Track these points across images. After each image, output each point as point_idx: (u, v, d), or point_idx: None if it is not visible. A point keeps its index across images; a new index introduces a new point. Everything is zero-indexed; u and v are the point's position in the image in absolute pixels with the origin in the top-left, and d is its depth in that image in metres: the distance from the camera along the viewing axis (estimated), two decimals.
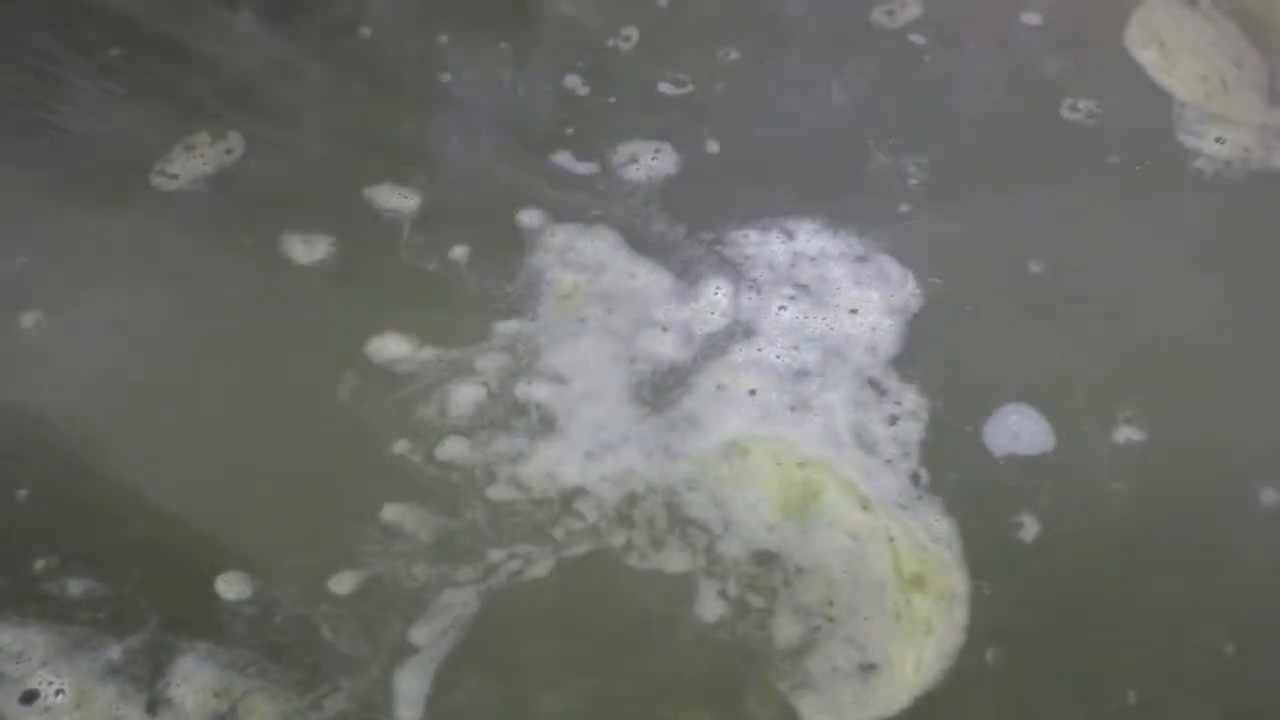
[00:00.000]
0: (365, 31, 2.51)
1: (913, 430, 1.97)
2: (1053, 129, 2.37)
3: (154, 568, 1.81)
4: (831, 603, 1.80)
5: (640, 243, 2.20)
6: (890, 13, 2.54)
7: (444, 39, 2.52)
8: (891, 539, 1.85)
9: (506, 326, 2.11)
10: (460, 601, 1.81)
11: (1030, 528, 1.87)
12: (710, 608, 1.80)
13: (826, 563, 1.82)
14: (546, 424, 2.00)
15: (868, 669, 1.75)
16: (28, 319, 2.09)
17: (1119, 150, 2.34)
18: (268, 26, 2.50)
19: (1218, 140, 2.34)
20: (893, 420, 1.98)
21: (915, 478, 1.92)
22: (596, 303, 2.14)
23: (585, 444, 1.98)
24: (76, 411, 1.97)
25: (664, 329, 2.11)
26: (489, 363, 2.07)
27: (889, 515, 1.87)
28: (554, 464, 1.96)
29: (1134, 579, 1.84)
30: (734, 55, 2.51)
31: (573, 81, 2.45)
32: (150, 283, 2.14)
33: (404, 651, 1.75)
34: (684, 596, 1.82)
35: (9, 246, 2.17)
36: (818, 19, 2.55)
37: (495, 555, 1.85)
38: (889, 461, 1.94)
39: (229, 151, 2.28)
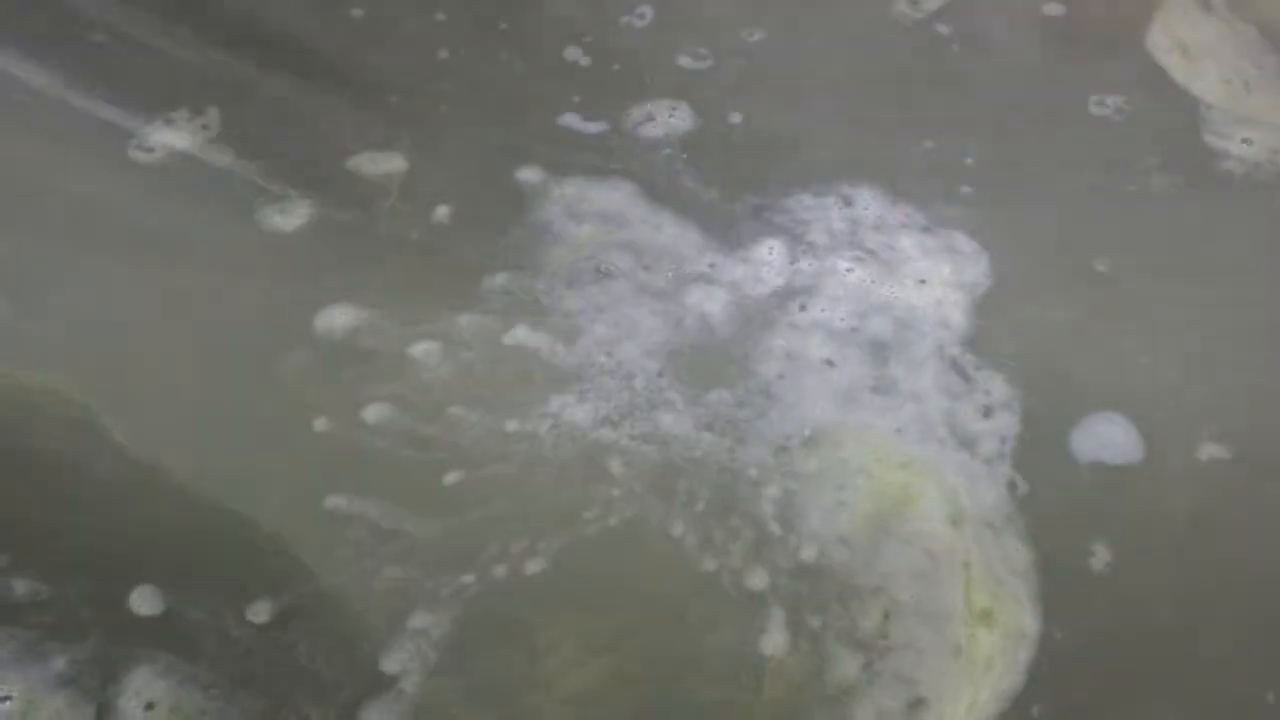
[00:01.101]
0: (358, 13, 2.37)
1: (1009, 425, 1.82)
2: (1084, 125, 2.32)
3: (105, 574, 1.61)
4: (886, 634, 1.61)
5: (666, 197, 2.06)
6: (914, 2, 2.47)
7: (440, 16, 2.38)
8: (968, 564, 1.67)
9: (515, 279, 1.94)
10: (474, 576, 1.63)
11: (1102, 555, 1.73)
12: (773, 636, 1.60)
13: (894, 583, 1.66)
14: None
15: (917, 704, 1.58)
16: None
17: (1150, 149, 2.30)
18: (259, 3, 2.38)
19: (1245, 141, 2.32)
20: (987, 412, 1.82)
21: (1012, 486, 1.76)
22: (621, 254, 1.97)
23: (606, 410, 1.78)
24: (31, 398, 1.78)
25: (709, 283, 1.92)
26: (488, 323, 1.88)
27: (974, 537, 1.70)
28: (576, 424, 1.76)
29: (1197, 617, 1.71)
30: (758, 35, 2.39)
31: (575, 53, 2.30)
32: (125, 257, 1.99)
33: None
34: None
35: None
36: (842, 6, 2.49)
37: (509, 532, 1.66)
38: (988, 462, 1.77)
39: (206, 127, 2.16)
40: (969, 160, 2.21)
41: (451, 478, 1.72)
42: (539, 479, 1.73)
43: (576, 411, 1.79)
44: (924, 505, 1.72)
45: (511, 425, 1.77)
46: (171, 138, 2.10)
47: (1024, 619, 1.65)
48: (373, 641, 1.58)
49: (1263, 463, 1.84)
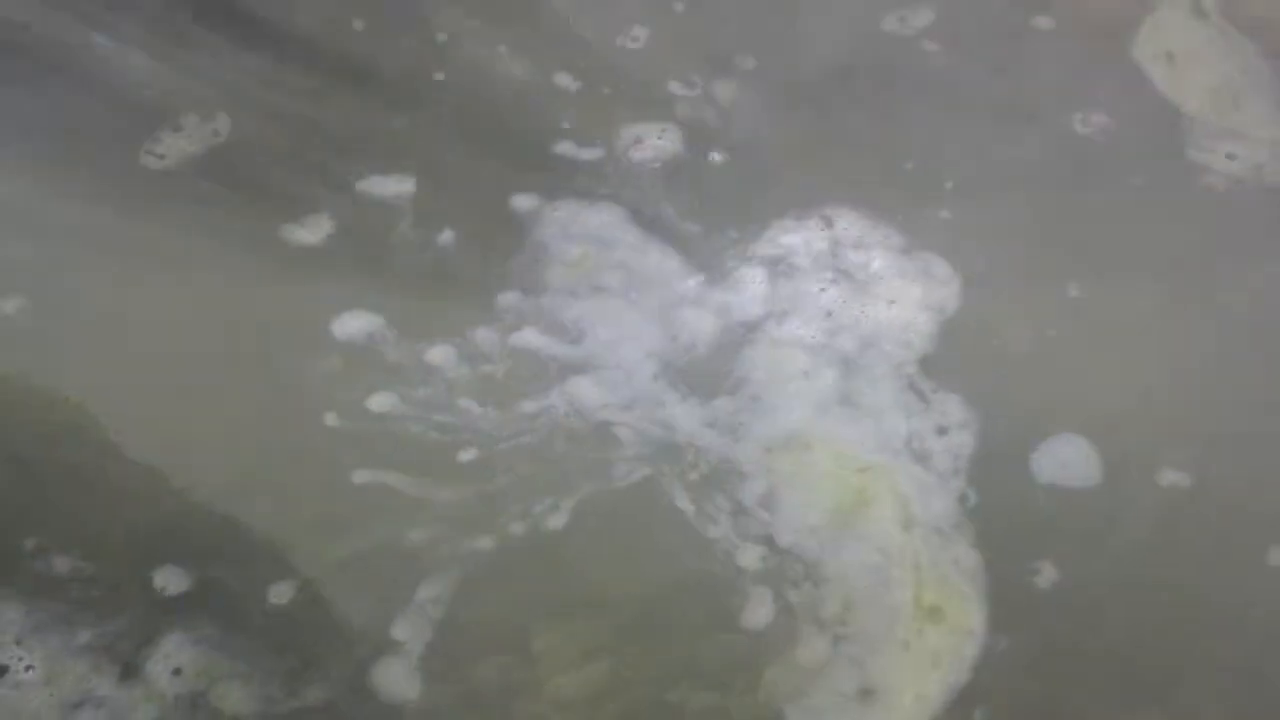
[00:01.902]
0: (359, 24, 2.42)
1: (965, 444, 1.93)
2: (1067, 143, 2.34)
3: (140, 550, 1.73)
4: (845, 621, 1.74)
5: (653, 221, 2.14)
6: (902, 19, 2.51)
7: (442, 37, 2.43)
8: (919, 566, 1.78)
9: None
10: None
11: (1048, 573, 1.80)
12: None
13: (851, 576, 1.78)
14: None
15: (867, 694, 1.69)
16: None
17: (1132, 167, 2.30)
18: (265, 18, 2.42)
19: (1229, 157, 2.32)
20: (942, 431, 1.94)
21: (964, 499, 1.87)
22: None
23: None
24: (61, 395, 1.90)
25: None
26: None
27: (924, 540, 1.81)
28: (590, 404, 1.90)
29: (1142, 636, 1.79)
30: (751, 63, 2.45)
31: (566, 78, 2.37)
32: (136, 263, 2.08)
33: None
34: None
35: None
36: (831, 25, 2.51)
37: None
38: (941, 476, 1.88)
39: (216, 134, 2.22)
40: (949, 184, 2.20)
41: (469, 454, 1.86)
42: (557, 448, 1.86)
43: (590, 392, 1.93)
44: (877, 508, 1.84)
45: (529, 406, 1.92)
46: (182, 144, 2.16)
47: (971, 619, 1.74)
48: (388, 601, 1.72)
49: (1221, 491, 1.88)
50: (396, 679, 1.66)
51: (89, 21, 2.33)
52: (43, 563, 1.71)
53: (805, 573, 1.77)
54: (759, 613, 1.73)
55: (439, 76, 2.35)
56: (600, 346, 1.96)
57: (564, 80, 2.35)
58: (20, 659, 1.60)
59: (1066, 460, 1.91)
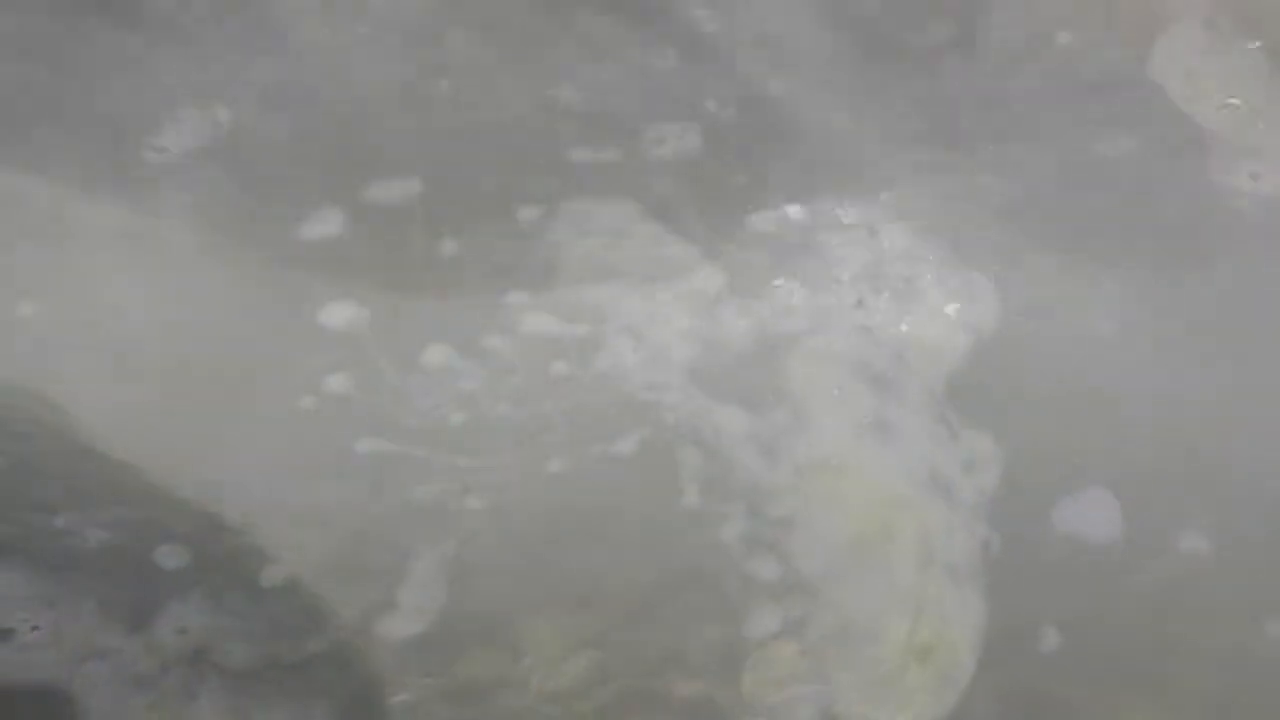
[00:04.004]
0: (364, 30, 2.42)
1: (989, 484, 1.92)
2: (1095, 169, 2.32)
3: (139, 528, 1.75)
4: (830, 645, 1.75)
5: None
6: (921, 31, 2.51)
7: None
8: (922, 604, 1.78)
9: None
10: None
11: (1049, 632, 1.79)
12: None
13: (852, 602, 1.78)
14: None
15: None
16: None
17: (1165, 195, 2.29)
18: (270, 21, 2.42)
19: (1252, 177, 2.30)
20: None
21: (986, 544, 1.86)
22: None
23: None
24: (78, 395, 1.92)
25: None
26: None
27: (936, 582, 1.80)
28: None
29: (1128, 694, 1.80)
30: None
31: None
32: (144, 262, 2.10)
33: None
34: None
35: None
36: (851, 38, 2.51)
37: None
38: (966, 515, 1.88)
39: (217, 125, 2.23)
40: (996, 199, 2.18)
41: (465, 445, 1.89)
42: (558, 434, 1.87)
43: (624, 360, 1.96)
44: (899, 543, 1.84)
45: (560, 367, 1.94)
46: (183, 137, 2.18)
47: (959, 666, 1.74)
48: (374, 592, 1.74)
49: (1240, 560, 1.87)
50: (382, 671, 1.67)
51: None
52: (47, 532, 1.75)
53: (807, 590, 1.77)
54: (752, 618, 1.74)
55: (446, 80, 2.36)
56: (618, 336, 1.97)
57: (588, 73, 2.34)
58: (26, 620, 1.63)
59: (1088, 512, 1.89)
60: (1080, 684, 1.76)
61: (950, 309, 2.04)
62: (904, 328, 2.01)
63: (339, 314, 1.99)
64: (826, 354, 1.97)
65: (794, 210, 2.17)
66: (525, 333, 2.02)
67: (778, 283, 2.07)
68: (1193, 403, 2.01)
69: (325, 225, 2.13)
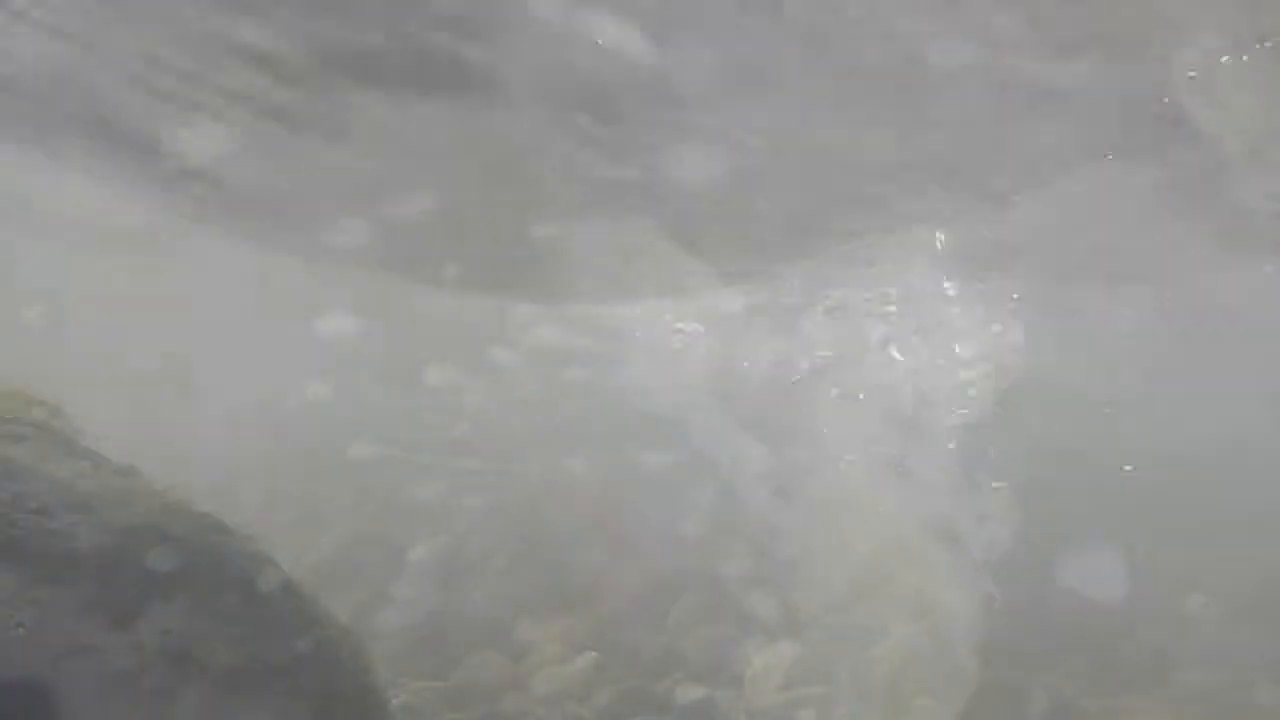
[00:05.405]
0: (378, 38, 2.50)
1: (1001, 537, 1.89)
2: (1127, 198, 2.29)
3: (133, 531, 1.69)
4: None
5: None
6: (944, 52, 2.50)
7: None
8: (914, 653, 1.76)
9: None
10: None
11: (1038, 695, 1.78)
12: None
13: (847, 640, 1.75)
14: None
15: None
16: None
17: (1195, 221, 2.25)
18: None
19: (1269, 197, 2.27)
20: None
21: (989, 597, 1.83)
22: None
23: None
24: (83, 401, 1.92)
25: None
26: None
27: (930, 629, 1.77)
28: None
29: None
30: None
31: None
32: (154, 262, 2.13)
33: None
34: None
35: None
36: (878, 55, 2.50)
37: None
38: (973, 565, 1.85)
39: (231, 137, 2.35)
40: (1022, 237, 2.21)
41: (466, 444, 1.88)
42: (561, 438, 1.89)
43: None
44: (900, 587, 1.81)
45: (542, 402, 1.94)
46: (197, 144, 2.32)
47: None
48: (374, 596, 1.77)
49: (1246, 623, 1.85)
50: (376, 672, 1.65)
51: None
52: (40, 534, 1.74)
53: (804, 624, 1.76)
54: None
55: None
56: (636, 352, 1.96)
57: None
58: (9, 618, 1.62)
59: (1094, 569, 1.88)
60: None
61: (980, 352, 2.02)
62: (930, 368, 2.00)
63: (340, 319, 2.00)
64: (849, 389, 1.95)
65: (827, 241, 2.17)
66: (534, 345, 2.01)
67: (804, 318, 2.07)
68: (1215, 459, 2.02)
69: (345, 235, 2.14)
